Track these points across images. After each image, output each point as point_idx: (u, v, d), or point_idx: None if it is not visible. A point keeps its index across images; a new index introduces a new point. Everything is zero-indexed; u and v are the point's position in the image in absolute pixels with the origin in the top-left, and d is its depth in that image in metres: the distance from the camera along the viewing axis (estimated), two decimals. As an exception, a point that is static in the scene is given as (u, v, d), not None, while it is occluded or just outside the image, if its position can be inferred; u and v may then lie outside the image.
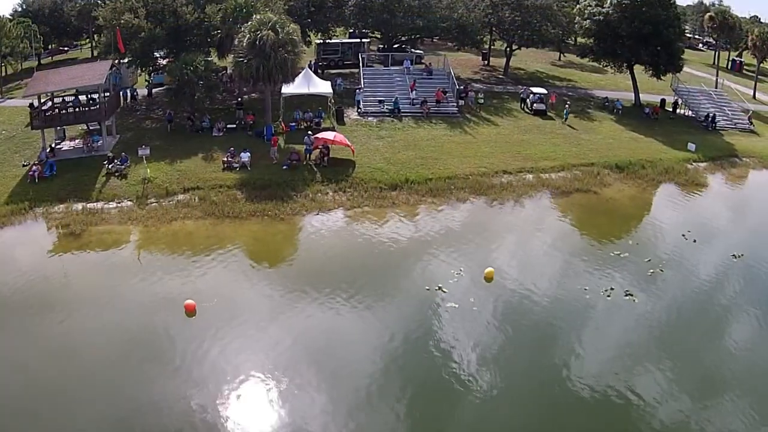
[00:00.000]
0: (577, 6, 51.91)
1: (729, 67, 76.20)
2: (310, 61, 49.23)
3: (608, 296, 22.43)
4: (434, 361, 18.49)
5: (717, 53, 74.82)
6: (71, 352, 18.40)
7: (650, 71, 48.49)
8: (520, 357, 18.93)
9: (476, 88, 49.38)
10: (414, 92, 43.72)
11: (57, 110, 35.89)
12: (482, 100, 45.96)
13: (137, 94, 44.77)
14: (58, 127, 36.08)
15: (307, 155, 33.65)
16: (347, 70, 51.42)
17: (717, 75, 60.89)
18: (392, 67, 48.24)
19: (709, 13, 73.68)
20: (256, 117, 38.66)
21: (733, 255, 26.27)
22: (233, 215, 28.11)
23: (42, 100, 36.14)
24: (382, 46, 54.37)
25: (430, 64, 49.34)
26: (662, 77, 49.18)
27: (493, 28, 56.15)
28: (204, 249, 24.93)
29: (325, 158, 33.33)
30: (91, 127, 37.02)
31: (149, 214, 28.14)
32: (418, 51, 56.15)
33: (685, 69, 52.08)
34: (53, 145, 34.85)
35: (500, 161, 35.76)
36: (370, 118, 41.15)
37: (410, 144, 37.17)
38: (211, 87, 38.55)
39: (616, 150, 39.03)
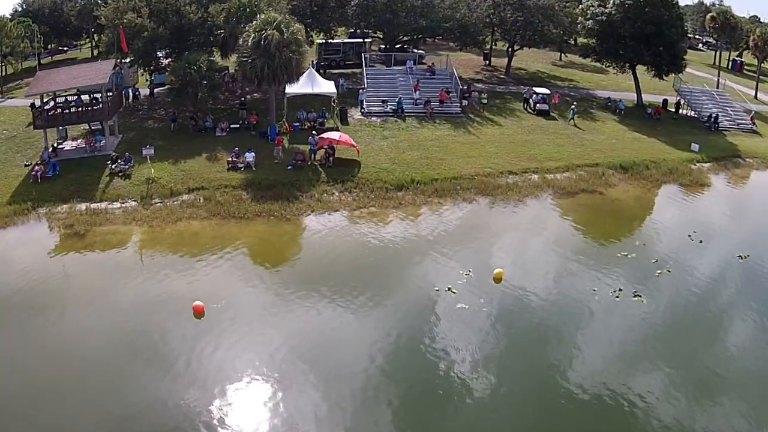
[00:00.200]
0: (580, 6, 51.86)
1: (729, 67, 76.23)
2: (312, 61, 49.03)
3: (617, 297, 22.35)
4: (444, 362, 18.35)
5: (718, 53, 74.85)
6: (73, 353, 18.25)
7: (652, 72, 48.52)
8: (530, 358, 18.81)
9: (479, 88, 49.30)
10: (417, 92, 43.63)
11: (60, 110, 35.69)
12: (485, 101, 45.87)
13: (139, 94, 44.56)
14: (60, 127, 35.89)
15: (312, 155, 33.54)
16: (349, 71, 51.26)
17: (719, 75, 60.92)
18: (395, 67, 48.09)
19: (710, 14, 73.82)
20: (259, 117, 38.53)
21: (740, 256, 26.24)
22: (239, 215, 27.98)
23: (44, 100, 35.94)
24: (383, 46, 54.22)
25: (433, 64, 49.20)
26: (664, 77, 49.21)
27: (495, 28, 56.12)
28: (210, 249, 24.78)
29: (331, 158, 33.21)
30: (93, 127, 36.83)
31: (154, 214, 27.99)
32: (419, 51, 56.01)
33: (687, 69, 52.05)
34: (55, 145, 34.69)
35: (505, 161, 35.71)
36: (373, 119, 41.03)
37: (415, 144, 37.08)
38: (214, 87, 38.42)
39: (620, 150, 39.00)
